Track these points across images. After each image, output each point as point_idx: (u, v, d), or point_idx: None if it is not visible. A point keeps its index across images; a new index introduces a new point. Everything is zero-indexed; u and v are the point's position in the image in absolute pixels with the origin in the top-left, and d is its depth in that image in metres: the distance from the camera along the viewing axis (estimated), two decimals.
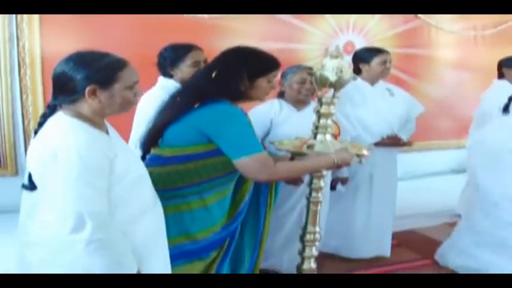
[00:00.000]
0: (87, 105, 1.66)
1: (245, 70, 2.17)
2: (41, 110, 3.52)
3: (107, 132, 1.75)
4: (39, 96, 3.51)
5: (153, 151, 2.22)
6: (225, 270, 2.36)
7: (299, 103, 3.18)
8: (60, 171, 1.55)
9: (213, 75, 2.16)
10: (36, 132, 1.69)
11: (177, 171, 2.12)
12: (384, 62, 3.56)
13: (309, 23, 4.29)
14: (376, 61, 3.56)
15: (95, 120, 1.69)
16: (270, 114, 3.12)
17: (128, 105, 1.75)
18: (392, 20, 4.64)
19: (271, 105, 3.16)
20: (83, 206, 1.55)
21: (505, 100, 3.44)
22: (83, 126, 1.64)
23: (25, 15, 3.37)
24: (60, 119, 1.65)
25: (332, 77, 2.34)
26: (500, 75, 4.28)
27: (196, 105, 2.13)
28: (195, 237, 2.19)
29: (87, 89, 1.63)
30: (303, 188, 3.15)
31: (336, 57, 2.36)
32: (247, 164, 2.07)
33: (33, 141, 1.67)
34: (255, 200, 2.50)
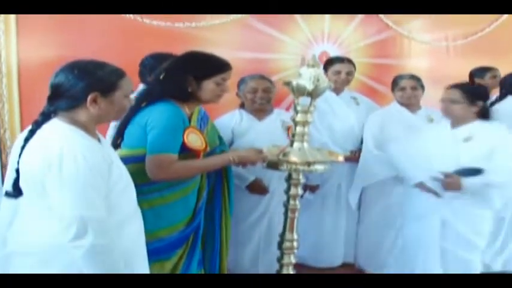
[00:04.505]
0: (85, 112, 1.70)
1: (190, 71, 2.27)
2: (17, 119, 3.52)
3: (99, 140, 1.79)
4: (15, 105, 3.50)
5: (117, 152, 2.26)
6: (194, 268, 2.41)
7: (258, 112, 3.22)
8: (66, 176, 1.57)
9: (161, 76, 2.27)
10: (27, 140, 1.68)
11: (137, 169, 2.16)
12: (338, 72, 3.63)
13: (284, 33, 4.32)
14: (330, 70, 3.65)
15: (89, 128, 1.73)
16: (230, 125, 3.17)
17: (123, 113, 1.84)
18: (366, 30, 4.71)
19: (231, 116, 3.23)
20: (86, 210, 1.58)
21: None
22: (80, 132, 1.68)
23: (1, 25, 3.36)
24: (58, 126, 1.68)
25: (309, 86, 2.39)
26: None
27: (143, 105, 2.25)
28: (159, 235, 2.25)
29: (89, 97, 1.67)
30: (267, 200, 3.19)
31: (313, 66, 2.41)
32: (148, 162, 2.18)
33: (28, 148, 1.67)
34: (210, 204, 2.54)
